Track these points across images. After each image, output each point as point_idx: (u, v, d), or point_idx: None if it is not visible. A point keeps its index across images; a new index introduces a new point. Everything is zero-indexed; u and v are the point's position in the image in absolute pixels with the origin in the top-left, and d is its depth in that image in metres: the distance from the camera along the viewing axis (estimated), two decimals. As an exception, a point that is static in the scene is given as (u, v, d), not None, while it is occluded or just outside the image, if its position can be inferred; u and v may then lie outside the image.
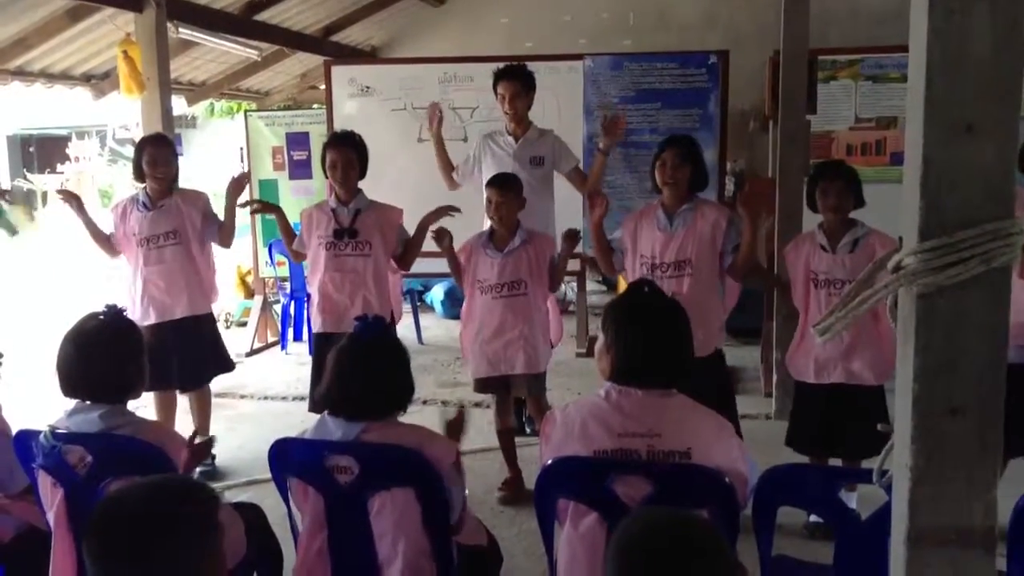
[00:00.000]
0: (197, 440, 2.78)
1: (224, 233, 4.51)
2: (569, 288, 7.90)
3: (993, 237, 1.29)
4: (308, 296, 4.83)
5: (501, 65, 4.83)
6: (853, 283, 1.51)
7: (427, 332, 7.42)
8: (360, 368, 2.35)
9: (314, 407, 3.60)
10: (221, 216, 4.51)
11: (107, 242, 4.47)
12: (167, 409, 4.52)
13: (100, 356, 2.48)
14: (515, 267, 3.98)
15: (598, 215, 3.85)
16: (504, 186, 4.02)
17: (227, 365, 4.71)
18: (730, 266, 3.72)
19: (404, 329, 6.79)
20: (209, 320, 4.62)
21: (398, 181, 5.34)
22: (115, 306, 2.65)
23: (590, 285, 7.28)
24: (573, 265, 6.19)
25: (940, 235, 1.31)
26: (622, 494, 2.01)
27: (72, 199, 4.39)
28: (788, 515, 2.23)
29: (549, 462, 2.11)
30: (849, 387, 3.56)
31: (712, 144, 5.82)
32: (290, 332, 7.22)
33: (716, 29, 8.09)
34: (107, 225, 4.50)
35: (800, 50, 4.90)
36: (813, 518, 3.49)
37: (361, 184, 4.28)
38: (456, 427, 2.69)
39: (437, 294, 8.19)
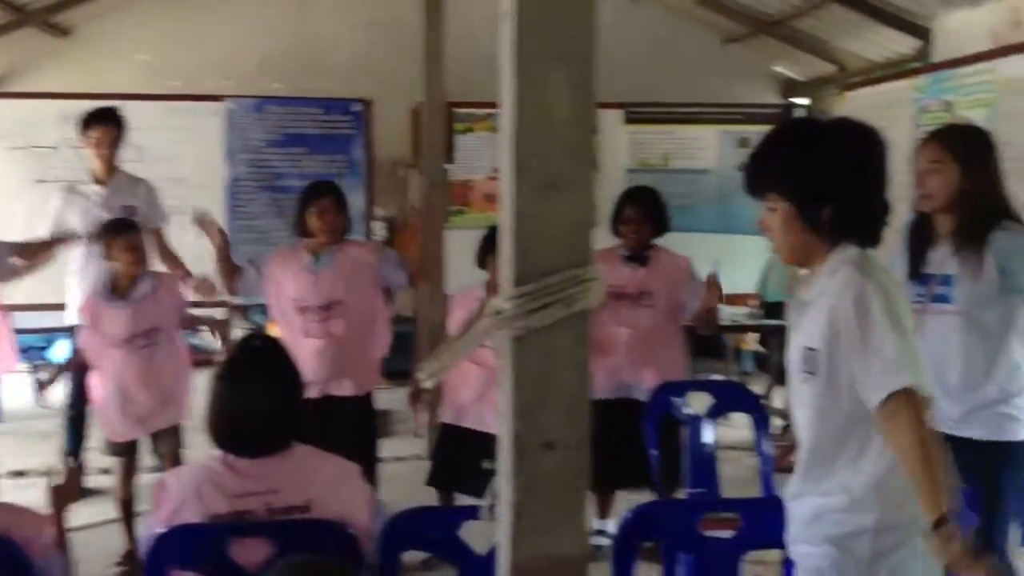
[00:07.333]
0: None
1: None
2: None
3: (573, 283, 1.41)
4: None
5: (92, 109, 4.50)
6: (459, 327, 1.57)
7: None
8: None
9: None
10: None
11: None
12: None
13: None
14: (147, 314, 3.69)
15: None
16: None
17: None
18: None
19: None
20: None
21: (12, 224, 4.79)
22: None
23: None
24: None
25: (530, 282, 1.40)
26: (241, 558, 1.90)
27: None
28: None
29: (160, 532, 1.94)
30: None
31: (359, 190, 5.88)
32: None
33: (371, 76, 8.16)
34: None
35: (438, 101, 5.12)
36: None
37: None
38: (66, 492, 2.28)
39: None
